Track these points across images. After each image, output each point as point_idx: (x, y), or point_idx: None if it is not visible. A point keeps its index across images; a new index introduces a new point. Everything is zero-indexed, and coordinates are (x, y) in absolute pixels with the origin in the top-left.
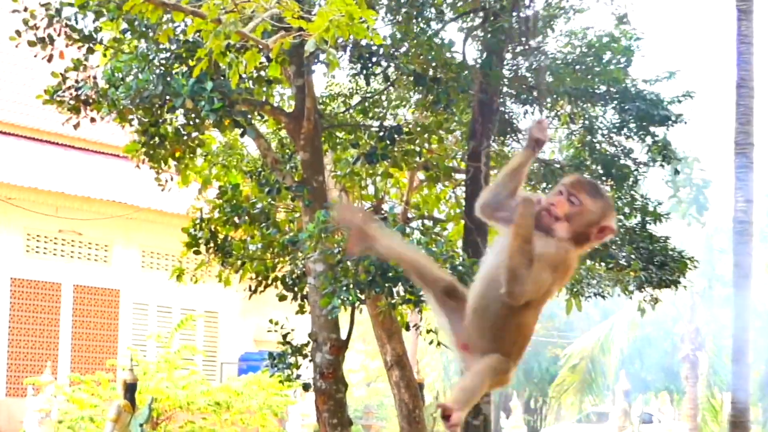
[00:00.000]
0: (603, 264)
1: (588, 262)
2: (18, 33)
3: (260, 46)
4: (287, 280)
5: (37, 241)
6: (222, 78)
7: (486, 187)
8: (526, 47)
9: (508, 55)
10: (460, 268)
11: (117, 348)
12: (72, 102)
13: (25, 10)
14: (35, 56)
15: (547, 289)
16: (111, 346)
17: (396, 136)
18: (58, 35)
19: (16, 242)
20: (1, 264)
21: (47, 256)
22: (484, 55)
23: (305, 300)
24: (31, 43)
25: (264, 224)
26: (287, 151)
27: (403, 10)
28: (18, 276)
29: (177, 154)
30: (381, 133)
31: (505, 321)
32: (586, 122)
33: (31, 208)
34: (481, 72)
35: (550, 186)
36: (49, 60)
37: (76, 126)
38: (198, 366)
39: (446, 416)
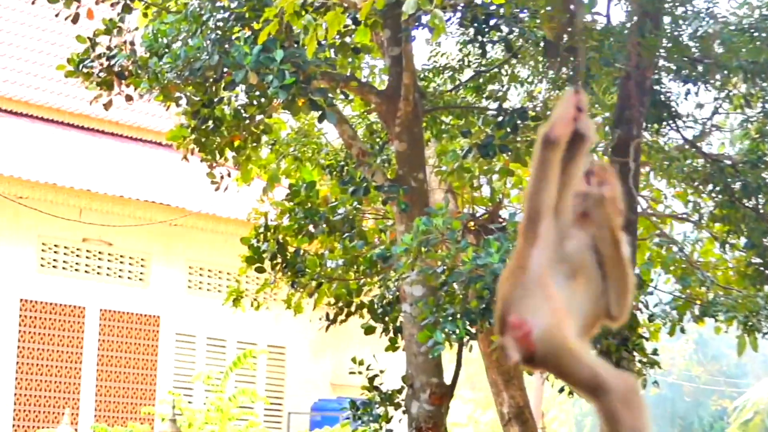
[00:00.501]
0: None
1: (767, 288)
2: None
3: (345, 5)
4: (376, 307)
5: (55, 252)
6: (295, 45)
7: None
8: (690, 8)
9: (667, 19)
10: None
11: (155, 391)
12: (102, 74)
13: None
14: (56, 16)
15: None
16: (147, 389)
17: (519, 121)
18: None
19: (28, 254)
20: (9, 281)
21: (67, 273)
22: (635, 18)
23: (398, 333)
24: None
25: (347, 235)
26: (378, 140)
27: None
28: (29, 297)
29: (236, 143)
30: (499, 119)
31: None
32: (766, 106)
33: (48, 210)
34: (630, 40)
35: (718, 188)
36: (75, 21)
37: (107, 105)
38: (259, 416)
39: None
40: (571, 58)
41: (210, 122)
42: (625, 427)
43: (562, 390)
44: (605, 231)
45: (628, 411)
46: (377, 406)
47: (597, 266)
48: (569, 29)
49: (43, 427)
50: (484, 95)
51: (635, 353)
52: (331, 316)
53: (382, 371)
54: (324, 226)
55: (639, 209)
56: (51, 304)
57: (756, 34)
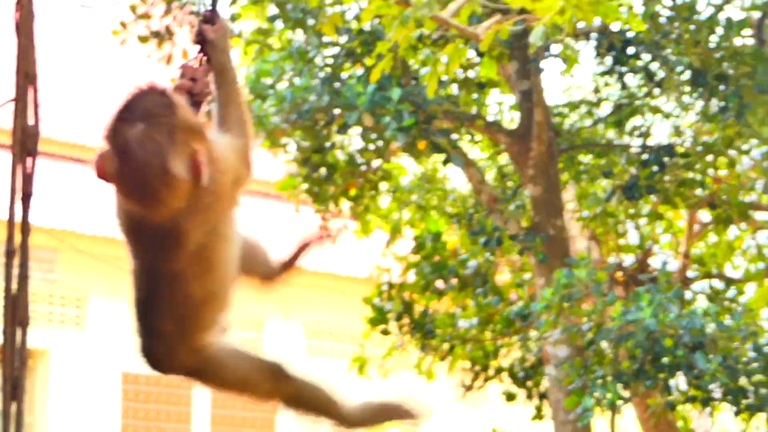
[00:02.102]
0: None
1: None
2: (123, 25)
3: (467, 37)
4: (516, 370)
5: None
6: (413, 82)
7: None
8: None
9: None
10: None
11: None
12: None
13: None
14: (148, 57)
15: None
16: None
17: (667, 159)
18: (180, 26)
19: (129, 322)
20: (109, 353)
21: None
22: None
23: (543, 400)
24: (142, 39)
25: (480, 290)
26: (510, 184)
27: None
28: (132, 370)
29: (352, 192)
30: (644, 156)
31: None
32: None
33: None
34: None
35: None
36: (168, 62)
37: None
38: None
39: None
40: (722, 87)
41: (322, 169)
42: None
43: None
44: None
45: None
46: None
47: None
48: (718, 55)
49: None
50: (626, 131)
51: None
52: (468, 383)
53: None
54: (454, 281)
55: None
56: (156, 376)
57: None
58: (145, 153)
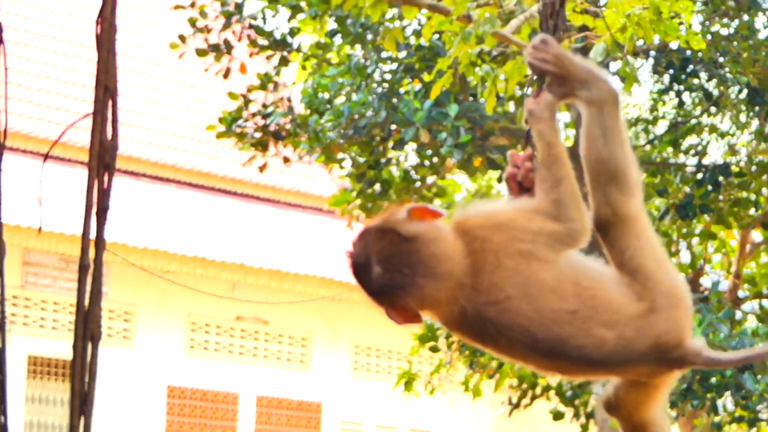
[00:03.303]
0: None
1: None
2: (182, 38)
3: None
4: (564, 389)
5: (206, 333)
6: (471, 99)
7: None
8: None
9: None
10: None
11: None
12: (257, 134)
13: (193, 5)
14: (206, 70)
15: None
16: None
17: (721, 178)
18: (239, 40)
19: (176, 335)
20: (156, 366)
21: (219, 355)
22: None
23: (591, 419)
24: (200, 52)
25: None
26: None
27: None
28: (178, 383)
29: None
30: (699, 175)
31: None
32: None
33: (198, 286)
34: None
35: None
36: (226, 75)
37: (262, 168)
38: None
39: None
40: None
41: (377, 185)
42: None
43: None
44: None
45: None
46: None
47: None
48: None
49: None
50: (682, 149)
51: None
52: (514, 400)
53: None
54: None
55: None
56: (201, 390)
57: None
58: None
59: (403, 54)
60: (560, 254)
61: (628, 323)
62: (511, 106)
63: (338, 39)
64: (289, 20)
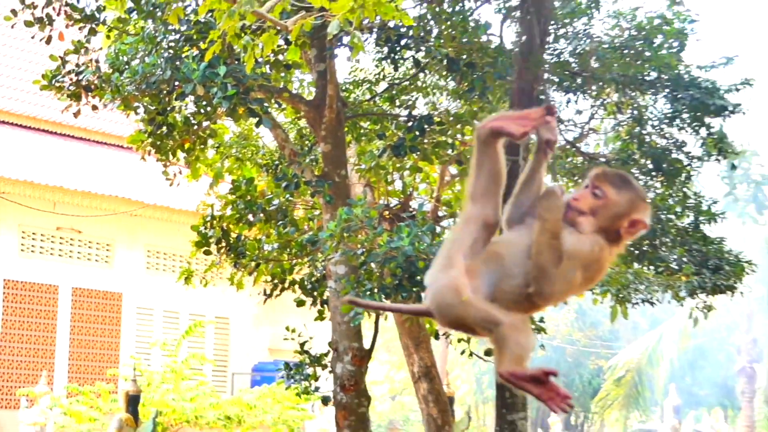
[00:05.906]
0: (652, 267)
1: (635, 265)
2: (14, 12)
3: (278, 28)
4: (306, 283)
5: (33, 239)
6: (236, 62)
7: (506, 204)
8: (570, 30)
9: (550, 39)
10: None
11: (119, 356)
12: (72, 88)
13: None
14: (32, 38)
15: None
16: (112, 355)
17: (426, 126)
18: (58, 14)
19: (10, 241)
20: None
21: (44, 256)
22: (523, 38)
23: (325, 305)
24: (28, 23)
25: (281, 222)
26: (307, 142)
27: None
28: (12, 278)
29: (186, 146)
30: (409, 124)
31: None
32: (635, 112)
33: (27, 203)
34: (519, 57)
35: None
36: (48, 42)
37: (76, 114)
38: (207, 376)
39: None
40: (470, 73)
41: (164, 128)
42: (515, 344)
43: (463, 353)
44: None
45: (517, 332)
46: (307, 367)
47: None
48: (468, 48)
49: (23, 386)
50: (397, 104)
51: None
52: (268, 292)
53: (311, 338)
54: (261, 215)
55: None
56: (30, 283)
57: (626, 51)
58: None
59: (184, 27)
60: None
61: None
62: (267, 68)
63: (135, 15)
64: (96, 0)
